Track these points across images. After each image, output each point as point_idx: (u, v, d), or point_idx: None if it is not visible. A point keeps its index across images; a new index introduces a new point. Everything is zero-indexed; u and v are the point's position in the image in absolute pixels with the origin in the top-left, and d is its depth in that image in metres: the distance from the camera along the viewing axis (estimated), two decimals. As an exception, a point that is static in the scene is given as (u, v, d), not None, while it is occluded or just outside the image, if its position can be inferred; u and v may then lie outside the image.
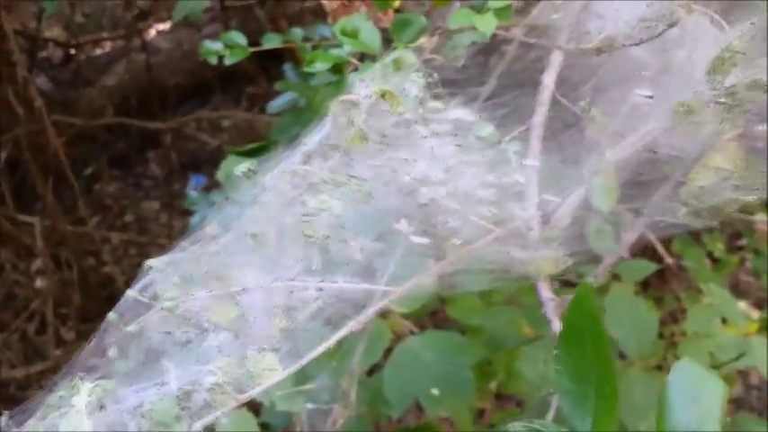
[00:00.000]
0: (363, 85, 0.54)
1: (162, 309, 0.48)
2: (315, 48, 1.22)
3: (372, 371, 1.47)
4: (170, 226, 4.43)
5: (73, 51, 4.56)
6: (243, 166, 0.64)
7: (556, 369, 0.42)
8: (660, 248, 1.72)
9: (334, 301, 0.50)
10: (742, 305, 1.87)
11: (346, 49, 0.87)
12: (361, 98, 0.53)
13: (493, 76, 0.84)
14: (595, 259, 0.66)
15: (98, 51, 4.98)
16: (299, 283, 0.50)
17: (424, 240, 0.55)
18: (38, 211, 3.38)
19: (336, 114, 0.53)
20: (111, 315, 0.50)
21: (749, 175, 0.48)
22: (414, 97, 0.56)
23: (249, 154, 1.27)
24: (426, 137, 0.56)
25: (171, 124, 3.72)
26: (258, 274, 0.50)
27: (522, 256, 0.54)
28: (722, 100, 0.45)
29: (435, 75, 0.58)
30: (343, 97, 0.53)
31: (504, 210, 0.58)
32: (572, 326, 0.41)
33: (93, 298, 3.17)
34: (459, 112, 0.59)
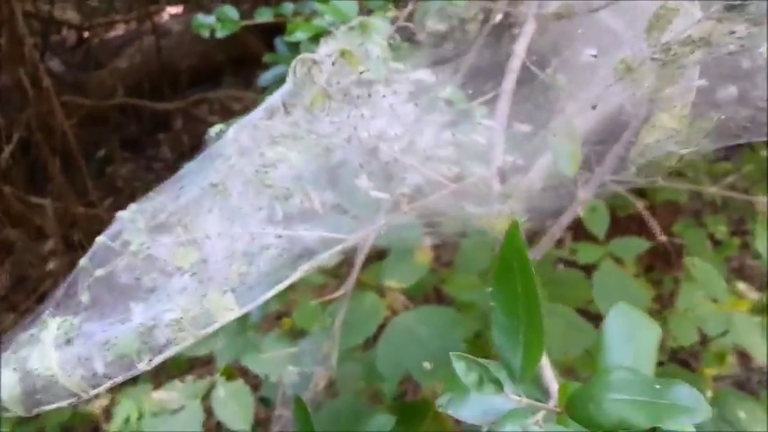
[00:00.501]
0: (325, 46, 0.57)
1: (129, 254, 0.51)
2: (306, 21, 1.24)
3: (368, 347, 1.51)
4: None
5: (86, 34, 4.61)
6: (216, 127, 0.67)
7: (491, 306, 0.44)
8: (655, 226, 1.73)
9: (294, 249, 0.53)
10: (741, 286, 1.87)
11: (327, 19, 0.89)
12: (323, 57, 0.55)
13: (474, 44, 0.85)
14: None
15: (111, 34, 5.02)
16: (258, 230, 0.52)
17: (384, 195, 0.58)
18: (50, 192, 3.44)
19: (297, 73, 0.56)
20: (83, 261, 0.53)
21: (692, 131, 0.50)
22: (375, 58, 0.58)
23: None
24: (385, 96, 0.58)
25: (179, 104, 3.75)
26: (221, 222, 0.53)
27: (476, 210, 0.56)
28: (657, 56, 0.47)
29: (398, 38, 0.59)
30: (304, 55, 0.55)
31: (464, 168, 0.60)
32: (504, 264, 0.43)
33: (103, 278, 3.23)
34: (420, 74, 0.61)
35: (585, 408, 0.41)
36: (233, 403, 1.50)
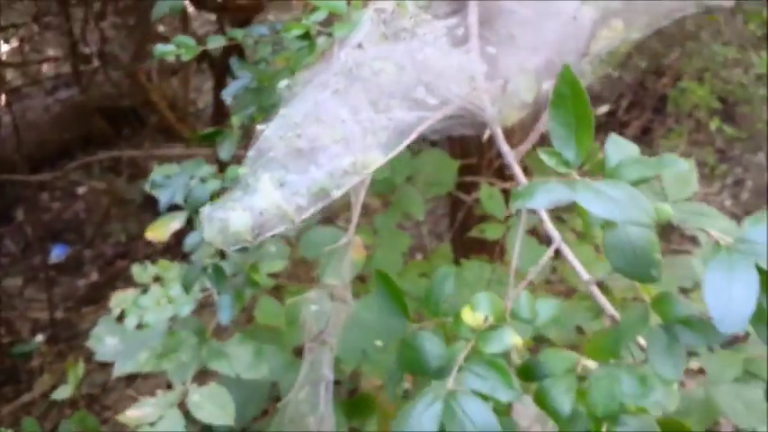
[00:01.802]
0: (385, 1, 0.84)
1: (287, 137, 0.73)
2: (256, 43, 1.49)
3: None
4: (38, 300, 4.26)
5: None
6: (283, 82, 0.91)
7: (549, 125, 0.73)
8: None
9: (399, 126, 0.78)
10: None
11: (312, 18, 1.15)
12: (389, 7, 0.82)
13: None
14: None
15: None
16: (374, 115, 0.77)
17: (435, 101, 0.85)
18: None
19: (371, 18, 0.82)
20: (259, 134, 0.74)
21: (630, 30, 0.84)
22: (411, 9, 0.86)
23: (208, 137, 1.50)
24: (425, 34, 0.86)
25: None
26: (347, 113, 0.76)
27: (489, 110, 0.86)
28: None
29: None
30: (377, 5, 0.82)
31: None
32: (559, 94, 0.72)
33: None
34: (439, 23, 0.90)
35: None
36: (209, 404, 1.61)
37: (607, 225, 0.70)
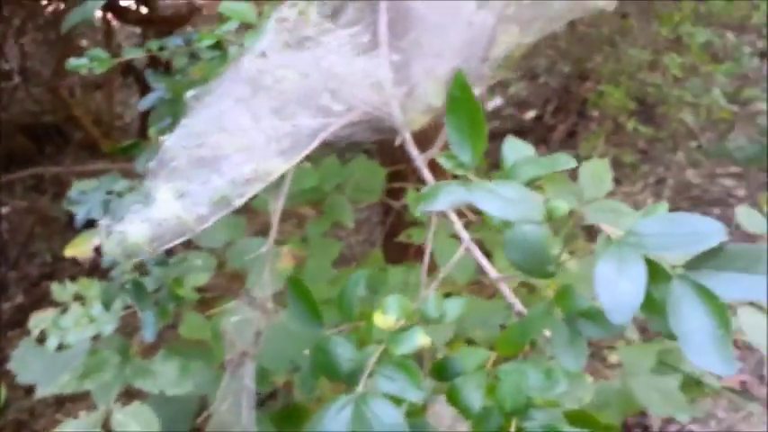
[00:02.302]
0: (287, 11, 0.85)
1: (189, 147, 0.73)
2: (173, 54, 1.47)
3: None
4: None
5: None
6: (190, 92, 0.91)
7: (446, 127, 0.75)
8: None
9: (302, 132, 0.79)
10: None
11: (224, 28, 1.15)
12: (291, 16, 0.83)
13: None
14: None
15: None
16: (278, 122, 0.77)
17: (340, 107, 0.86)
18: None
19: (274, 29, 0.83)
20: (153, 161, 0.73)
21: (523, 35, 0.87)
22: (314, 17, 0.87)
23: (125, 150, 1.47)
24: (329, 43, 0.87)
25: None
26: (252, 120, 0.76)
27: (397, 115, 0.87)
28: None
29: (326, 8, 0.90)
30: (280, 15, 0.83)
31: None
32: (452, 98, 0.74)
33: None
34: (342, 32, 0.92)
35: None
36: (134, 423, 1.57)
37: (506, 224, 0.73)
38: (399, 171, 2.43)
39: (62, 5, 3.96)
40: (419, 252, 2.33)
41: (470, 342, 1.59)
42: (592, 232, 0.75)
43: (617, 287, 0.67)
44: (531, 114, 4.87)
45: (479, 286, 2.27)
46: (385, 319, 0.79)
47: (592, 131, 4.03)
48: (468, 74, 0.91)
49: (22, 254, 4.44)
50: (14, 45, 4.59)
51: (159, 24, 4.04)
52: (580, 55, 3.94)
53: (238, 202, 0.71)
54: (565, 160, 0.71)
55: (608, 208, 1.81)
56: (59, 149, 4.70)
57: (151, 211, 0.68)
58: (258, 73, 0.80)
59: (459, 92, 0.74)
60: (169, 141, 0.77)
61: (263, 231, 2.19)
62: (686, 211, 0.72)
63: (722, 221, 0.70)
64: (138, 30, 4.99)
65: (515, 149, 0.76)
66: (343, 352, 0.79)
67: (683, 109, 3.25)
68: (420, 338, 0.78)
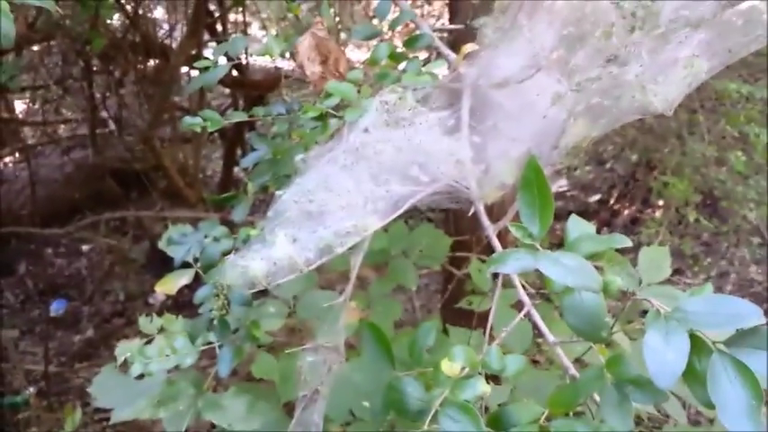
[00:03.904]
0: (388, 95, 1.00)
1: (300, 202, 0.88)
2: (273, 120, 1.66)
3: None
4: (32, 352, 4.32)
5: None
6: (299, 156, 1.06)
7: (519, 202, 0.87)
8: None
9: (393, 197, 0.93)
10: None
11: (326, 103, 1.32)
12: (391, 99, 0.98)
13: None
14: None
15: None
16: (375, 187, 0.91)
17: (426, 178, 1.00)
18: None
19: (376, 108, 0.98)
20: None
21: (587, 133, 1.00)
22: (411, 101, 1.02)
23: (223, 201, 1.64)
24: (421, 123, 1.02)
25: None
26: (352, 184, 0.91)
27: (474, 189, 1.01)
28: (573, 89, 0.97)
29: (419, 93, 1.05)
30: (381, 97, 0.98)
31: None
32: (525, 178, 0.87)
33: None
34: (432, 115, 1.07)
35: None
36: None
37: (565, 290, 0.84)
38: (463, 241, 2.55)
39: (162, 63, 4.33)
40: (477, 319, 2.42)
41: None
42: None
43: (663, 355, 0.76)
44: (595, 198, 4.94)
45: (533, 361, 2.33)
46: (451, 366, 0.90)
47: (653, 219, 4.07)
48: (539, 158, 1.04)
49: (97, 290, 4.72)
50: (113, 95, 5.01)
51: (248, 88, 4.36)
52: (647, 145, 4.03)
53: (340, 250, 0.85)
54: (620, 239, 0.82)
55: (663, 293, 1.87)
56: (143, 195, 5.03)
57: (270, 252, 0.83)
58: (361, 145, 0.95)
59: (532, 173, 0.87)
60: (284, 195, 0.92)
61: (328, 287, 2.32)
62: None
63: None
64: (226, 90, 5.37)
65: (578, 226, 0.88)
66: (413, 392, 0.90)
67: (746, 206, 3.27)
68: (482, 386, 0.88)
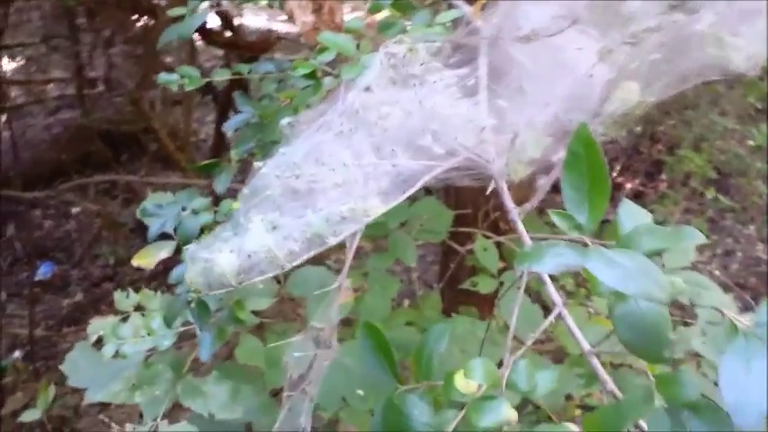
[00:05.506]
0: (394, 47, 0.81)
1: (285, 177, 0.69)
2: (261, 80, 1.46)
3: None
4: (19, 316, 4.18)
5: None
6: (285, 120, 0.88)
7: (562, 186, 0.69)
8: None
9: (402, 174, 0.74)
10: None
11: (320, 58, 1.13)
12: (399, 51, 0.79)
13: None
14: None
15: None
16: (378, 160, 0.73)
17: (441, 150, 0.82)
18: None
19: (381, 62, 0.79)
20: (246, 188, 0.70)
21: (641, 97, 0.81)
22: (423, 55, 0.83)
23: (204, 169, 1.46)
24: (435, 82, 0.83)
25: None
26: (350, 157, 0.73)
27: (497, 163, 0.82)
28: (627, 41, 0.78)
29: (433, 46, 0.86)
30: (386, 49, 0.79)
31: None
32: (573, 153, 0.68)
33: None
34: (449, 72, 0.88)
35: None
36: (175, 445, 1.53)
37: (616, 296, 0.66)
38: (464, 215, 2.38)
39: (152, 22, 4.10)
40: (478, 300, 2.26)
41: (536, 407, 1.51)
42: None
43: (745, 385, 0.59)
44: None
45: (538, 345, 2.18)
46: (467, 384, 0.73)
47: (661, 195, 3.89)
48: (569, 128, 0.86)
49: (86, 254, 4.55)
50: (102, 55, 4.77)
51: (242, 49, 4.13)
52: (653, 116, 3.83)
53: (333, 241, 0.67)
54: (692, 234, 0.65)
55: (690, 281, 1.71)
56: (134, 158, 4.83)
57: (242, 241, 0.65)
58: (362, 107, 0.77)
59: (581, 147, 0.69)
60: (265, 168, 0.74)
61: (320, 259, 2.16)
62: (753, 288, 0.65)
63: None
64: (220, 52, 5.12)
65: (632, 215, 0.70)
66: (419, 415, 0.73)
67: (761, 181, 3.09)
68: (506, 410, 0.71)
